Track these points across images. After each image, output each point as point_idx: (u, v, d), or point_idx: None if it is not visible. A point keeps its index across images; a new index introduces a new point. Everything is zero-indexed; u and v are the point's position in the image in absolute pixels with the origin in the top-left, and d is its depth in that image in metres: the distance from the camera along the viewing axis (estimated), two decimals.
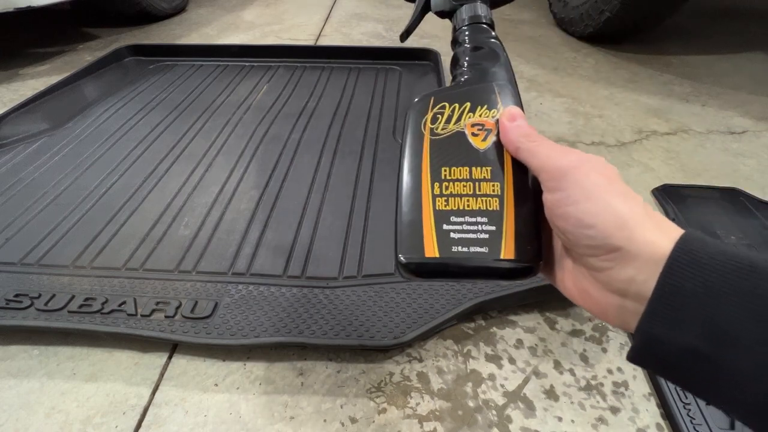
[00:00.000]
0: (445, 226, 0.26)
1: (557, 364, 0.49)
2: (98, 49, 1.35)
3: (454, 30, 0.34)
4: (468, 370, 0.48)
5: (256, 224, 0.63)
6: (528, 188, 0.27)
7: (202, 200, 0.68)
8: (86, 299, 0.51)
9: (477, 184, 0.27)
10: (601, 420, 0.44)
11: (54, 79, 1.04)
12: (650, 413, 0.44)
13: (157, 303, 0.51)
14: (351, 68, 1.15)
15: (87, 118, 0.91)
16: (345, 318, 0.50)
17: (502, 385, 0.47)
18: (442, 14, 0.36)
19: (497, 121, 0.28)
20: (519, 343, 0.51)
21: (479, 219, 0.26)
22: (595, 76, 1.16)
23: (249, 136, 0.85)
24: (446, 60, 1.22)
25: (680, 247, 0.21)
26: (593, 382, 0.47)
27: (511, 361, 0.49)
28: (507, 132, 0.27)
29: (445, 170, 0.28)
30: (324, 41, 1.41)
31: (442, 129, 0.29)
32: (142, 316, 0.50)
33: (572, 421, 0.44)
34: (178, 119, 0.91)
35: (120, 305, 0.51)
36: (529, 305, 0.55)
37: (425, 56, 1.18)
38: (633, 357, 0.22)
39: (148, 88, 1.05)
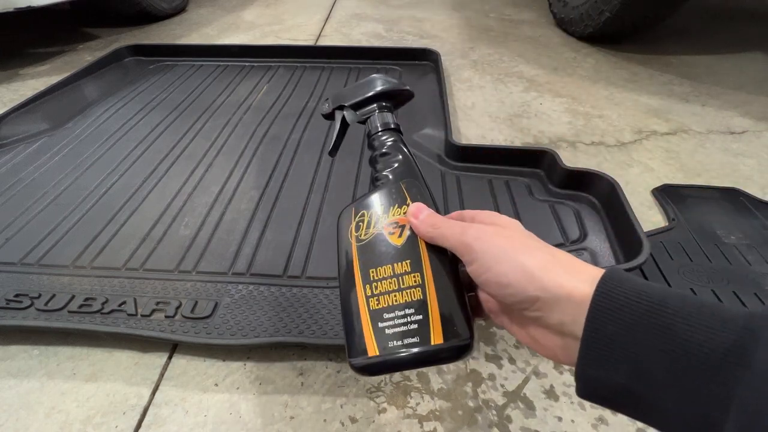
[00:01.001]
0: (380, 324, 0.28)
1: (557, 364, 0.49)
2: (98, 49, 1.35)
3: (368, 136, 0.38)
4: (468, 370, 0.48)
5: (256, 224, 0.63)
6: (446, 269, 0.29)
7: (202, 200, 0.68)
8: (86, 299, 0.51)
9: (400, 278, 0.29)
10: (601, 420, 0.44)
11: (54, 79, 1.04)
12: None
13: (157, 303, 0.51)
14: (351, 68, 1.15)
15: (87, 118, 0.91)
16: None
17: (502, 385, 0.47)
18: (361, 122, 0.40)
19: None
20: (519, 343, 0.51)
21: (407, 311, 0.28)
22: (595, 76, 1.16)
23: (249, 136, 0.85)
24: (446, 60, 1.23)
25: (599, 290, 0.22)
26: None
27: (511, 361, 0.49)
28: (417, 229, 0.30)
29: (373, 271, 0.30)
30: (324, 41, 1.41)
31: (365, 234, 0.31)
32: (142, 316, 0.50)
33: (572, 421, 0.44)
34: (178, 119, 0.91)
35: (120, 305, 0.51)
36: None
37: (425, 56, 1.18)
38: (579, 394, 0.24)
39: (148, 88, 1.05)
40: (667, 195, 0.73)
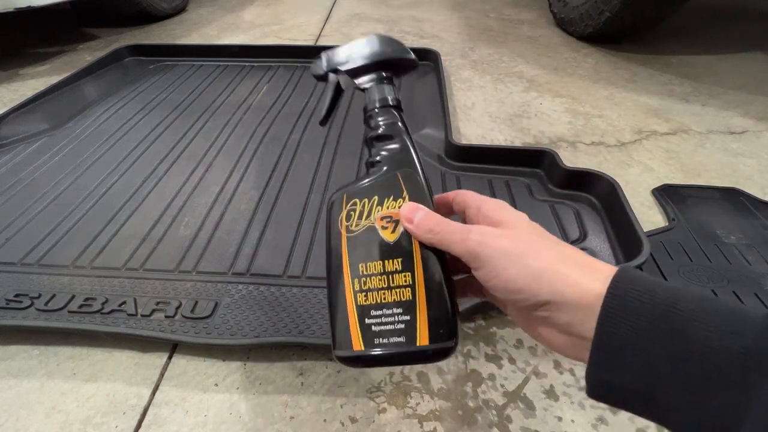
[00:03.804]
0: (366, 320, 0.28)
1: (557, 364, 0.49)
2: (98, 49, 1.35)
3: (365, 111, 0.35)
4: (468, 370, 0.48)
5: (256, 224, 0.63)
6: (438, 269, 0.28)
7: (203, 200, 0.68)
8: (86, 299, 0.51)
9: (390, 276, 0.28)
10: (601, 420, 0.44)
11: (54, 79, 1.04)
12: None
13: (157, 303, 0.51)
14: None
15: (87, 118, 0.91)
16: None
17: (502, 385, 0.47)
18: (357, 89, 0.37)
19: None
20: (519, 343, 0.51)
21: (395, 310, 0.28)
22: (595, 76, 1.16)
23: (249, 137, 0.85)
24: (446, 60, 1.23)
25: (611, 292, 0.22)
26: None
27: (511, 361, 0.49)
28: (414, 233, 0.29)
29: (362, 266, 0.29)
30: (324, 41, 1.41)
31: (356, 225, 0.30)
32: (142, 316, 0.50)
33: (572, 421, 0.44)
34: (178, 119, 0.91)
35: (120, 305, 0.51)
36: None
37: (425, 56, 1.18)
38: (589, 395, 0.24)
39: (148, 88, 1.05)
40: (667, 195, 0.73)
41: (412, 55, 0.36)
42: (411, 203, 0.29)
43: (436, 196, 0.32)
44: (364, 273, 0.29)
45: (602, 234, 0.62)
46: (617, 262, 0.57)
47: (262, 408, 0.44)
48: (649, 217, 0.69)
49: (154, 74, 1.12)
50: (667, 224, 0.67)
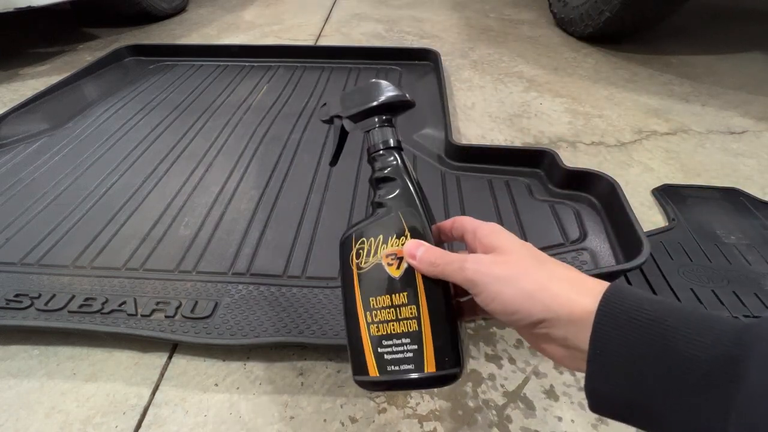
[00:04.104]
0: (379, 350, 0.31)
1: (557, 365, 0.49)
2: (98, 49, 1.35)
3: (368, 152, 0.38)
4: (468, 370, 0.48)
5: (256, 224, 0.63)
6: (441, 301, 0.31)
7: (203, 200, 0.68)
8: (86, 299, 0.51)
9: (398, 309, 0.31)
10: (600, 420, 0.44)
11: (54, 79, 1.04)
12: None
13: (157, 303, 0.51)
14: (351, 68, 1.15)
15: (87, 118, 0.91)
16: None
17: (502, 385, 0.47)
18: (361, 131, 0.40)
19: None
20: (519, 343, 0.51)
21: (404, 340, 0.30)
22: (595, 76, 1.16)
23: (249, 137, 0.85)
24: (446, 60, 1.23)
25: (602, 310, 0.23)
26: None
27: (511, 361, 0.49)
28: (417, 268, 0.31)
29: (373, 300, 0.32)
30: (324, 41, 1.41)
31: (365, 263, 0.33)
32: (142, 316, 0.50)
33: (572, 421, 0.44)
34: (178, 119, 0.91)
35: (120, 305, 0.51)
36: None
37: (425, 56, 1.18)
38: (592, 409, 0.25)
39: (148, 88, 1.05)
40: (667, 195, 0.73)
41: (408, 97, 0.39)
42: (413, 241, 0.32)
43: (435, 225, 0.34)
44: (375, 306, 0.32)
45: (602, 234, 0.62)
46: (617, 262, 0.57)
47: (262, 408, 0.44)
48: (649, 217, 0.69)
49: (154, 74, 1.12)
50: (667, 224, 0.67)
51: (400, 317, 0.31)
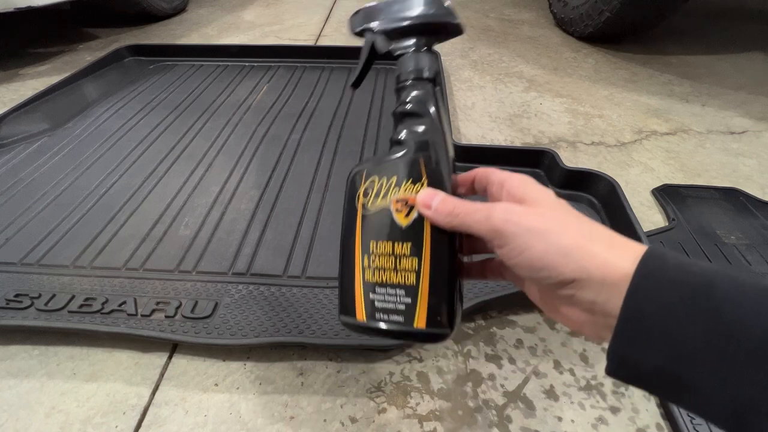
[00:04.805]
0: (371, 296, 0.30)
1: (557, 364, 0.49)
2: (98, 49, 1.35)
3: (397, 80, 0.33)
4: (468, 370, 0.48)
5: (256, 224, 0.63)
6: (446, 259, 0.29)
7: (202, 200, 0.68)
8: (86, 299, 0.51)
9: (398, 259, 0.29)
10: (601, 420, 0.44)
11: (54, 79, 1.04)
12: (650, 413, 0.44)
13: (157, 303, 0.51)
14: (351, 68, 1.15)
15: (87, 118, 0.91)
16: None
17: (502, 385, 0.47)
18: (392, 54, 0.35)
19: None
20: (519, 343, 0.51)
21: (398, 291, 0.29)
22: (594, 76, 1.16)
23: (249, 136, 0.85)
24: (446, 60, 1.23)
25: (640, 270, 0.21)
26: (593, 382, 0.47)
27: (511, 361, 0.49)
28: (433, 220, 0.28)
29: (373, 244, 0.30)
30: (324, 41, 1.41)
31: (372, 204, 0.30)
32: (142, 316, 0.50)
33: (572, 421, 0.44)
34: (178, 119, 0.91)
35: (120, 305, 0.51)
36: (529, 305, 0.55)
37: None
38: (609, 372, 0.23)
39: (148, 88, 1.05)
40: (667, 195, 0.73)
41: (458, 19, 0.32)
42: (429, 189, 0.29)
43: (454, 176, 0.31)
44: (374, 251, 0.30)
45: None
46: None
47: (262, 408, 0.44)
48: (649, 217, 0.69)
49: (154, 74, 1.12)
50: (667, 224, 0.67)
51: (398, 267, 0.29)
